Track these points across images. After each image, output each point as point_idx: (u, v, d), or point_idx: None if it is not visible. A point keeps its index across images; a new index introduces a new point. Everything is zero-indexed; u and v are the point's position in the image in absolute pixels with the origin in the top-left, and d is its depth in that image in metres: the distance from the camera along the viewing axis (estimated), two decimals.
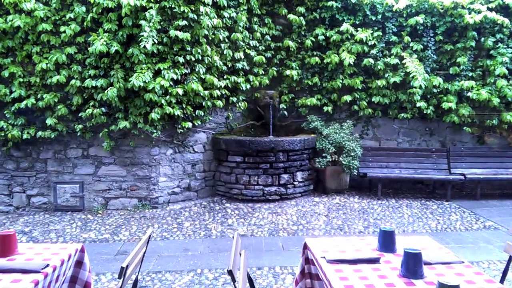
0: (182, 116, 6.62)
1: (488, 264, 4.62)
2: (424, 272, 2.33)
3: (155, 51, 6.18)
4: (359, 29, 7.65)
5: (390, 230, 2.74)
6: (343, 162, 7.13)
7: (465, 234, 5.67)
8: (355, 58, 7.61)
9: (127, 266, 2.41)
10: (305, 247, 2.97)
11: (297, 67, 7.89)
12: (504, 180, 7.50)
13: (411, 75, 7.32)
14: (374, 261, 2.55)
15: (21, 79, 6.30)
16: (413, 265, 2.31)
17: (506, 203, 7.15)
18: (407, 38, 7.65)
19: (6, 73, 6.22)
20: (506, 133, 8.05)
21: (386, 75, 7.70)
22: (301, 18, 7.77)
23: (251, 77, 7.56)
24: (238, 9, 7.26)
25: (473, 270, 2.42)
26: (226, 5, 6.94)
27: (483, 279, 2.30)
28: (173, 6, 6.27)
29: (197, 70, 6.65)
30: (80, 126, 6.41)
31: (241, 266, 2.58)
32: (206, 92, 6.74)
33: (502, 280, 2.92)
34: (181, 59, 6.42)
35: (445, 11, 7.66)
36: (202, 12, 6.43)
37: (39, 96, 6.34)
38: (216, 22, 6.68)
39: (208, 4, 6.57)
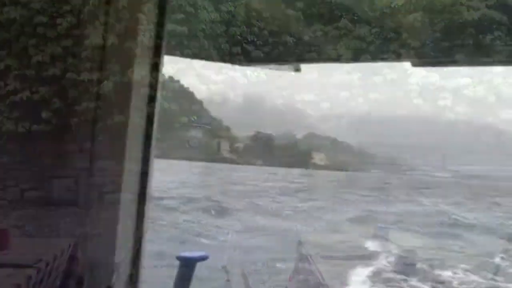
0: None
1: None
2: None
3: None
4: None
5: None
6: None
7: None
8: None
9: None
10: (300, 243, 2.97)
11: None
12: None
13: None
14: (368, 257, 2.54)
15: (16, 72, 6.25)
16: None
17: None
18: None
19: (1, 66, 6.17)
20: None
21: None
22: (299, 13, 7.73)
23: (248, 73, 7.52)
24: (236, 3, 7.22)
25: None
26: None
27: None
28: None
29: None
30: (76, 119, 6.36)
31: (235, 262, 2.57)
32: None
33: None
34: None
35: (443, 8, 7.63)
36: (200, 6, 6.39)
37: (34, 89, 6.29)
38: (214, 16, 6.63)
39: None
